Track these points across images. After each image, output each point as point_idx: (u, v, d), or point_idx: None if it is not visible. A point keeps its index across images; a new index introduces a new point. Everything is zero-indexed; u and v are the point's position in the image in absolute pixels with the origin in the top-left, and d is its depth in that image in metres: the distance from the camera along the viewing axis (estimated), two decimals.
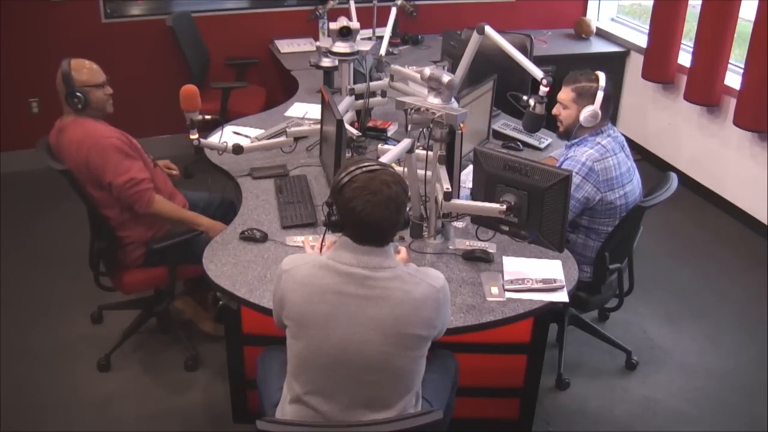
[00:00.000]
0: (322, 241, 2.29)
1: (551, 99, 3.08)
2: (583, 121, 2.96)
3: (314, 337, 1.95)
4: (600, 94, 2.93)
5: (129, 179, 2.92)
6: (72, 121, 3.00)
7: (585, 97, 2.96)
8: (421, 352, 2.01)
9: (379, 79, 3.65)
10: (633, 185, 3.00)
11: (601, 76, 2.96)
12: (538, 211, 2.37)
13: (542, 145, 3.54)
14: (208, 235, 2.95)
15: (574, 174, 2.73)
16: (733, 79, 4.50)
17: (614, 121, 3.10)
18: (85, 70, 3.00)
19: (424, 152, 2.59)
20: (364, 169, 1.93)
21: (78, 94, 2.95)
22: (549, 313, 2.54)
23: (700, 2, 4.55)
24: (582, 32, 5.56)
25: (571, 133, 3.03)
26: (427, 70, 2.59)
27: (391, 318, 1.92)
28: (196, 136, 3.00)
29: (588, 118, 2.95)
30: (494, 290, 2.47)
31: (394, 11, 4.22)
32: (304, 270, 1.98)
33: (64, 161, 2.97)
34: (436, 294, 1.97)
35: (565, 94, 3.01)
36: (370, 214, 1.89)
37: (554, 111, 3.09)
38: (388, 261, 1.97)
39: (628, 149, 3.06)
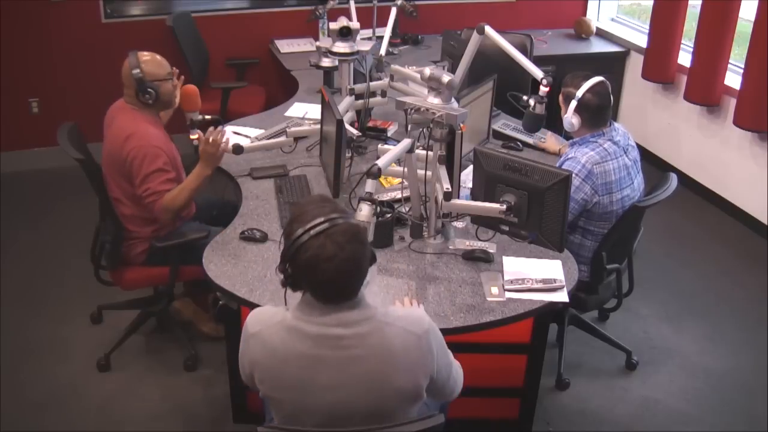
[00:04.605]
0: (285, 294, 1.97)
1: (551, 99, 3.09)
2: (564, 126, 2.98)
3: (297, 403, 1.85)
4: (573, 104, 2.92)
5: (148, 189, 2.91)
6: (131, 111, 3.00)
7: (567, 101, 2.98)
8: (416, 401, 1.88)
9: (379, 79, 3.64)
10: (633, 188, 2.99)
11: (584, 85, 2.91)
12: (538, 211, 2.37)
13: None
14: (210, 168, 2.95)
15: (573, 176, 2.73)
16: (733, 79, 4.50)
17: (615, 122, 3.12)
18: (152, 63, 2.97)
19: (424, 152, 2.59)
20: (312, 233, 1.73)
21: (150, 89, 2.94)
22: (549, 313, 2.54)
23: (700, 2, 4.55)
24: (582, 32, 5.56)
25: (568, 133, 3.05)
26: (427, 70, 2.59)
27: (375, 376, 1.80)
28: (197, 136, 3.00)
29: (566, 125, 2.97)
30: (494, 290, 2.47)
31: (394, 11, 4.22)
32: (273, 335, 1.82)
33: (106, 138, 3.00)
34: (417, 342, 1.82)
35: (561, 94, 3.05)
36: (330, 280, 1.74)
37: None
38: (362, 312, 1.82)
39: (635, 153, 3.05)
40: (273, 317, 1.86)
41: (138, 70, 2.91)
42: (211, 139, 2.91)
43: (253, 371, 1.87)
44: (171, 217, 2.98)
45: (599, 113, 2.95)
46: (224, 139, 2.98)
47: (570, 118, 2.94)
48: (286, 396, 1.85)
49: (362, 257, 1.79)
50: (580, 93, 2.91)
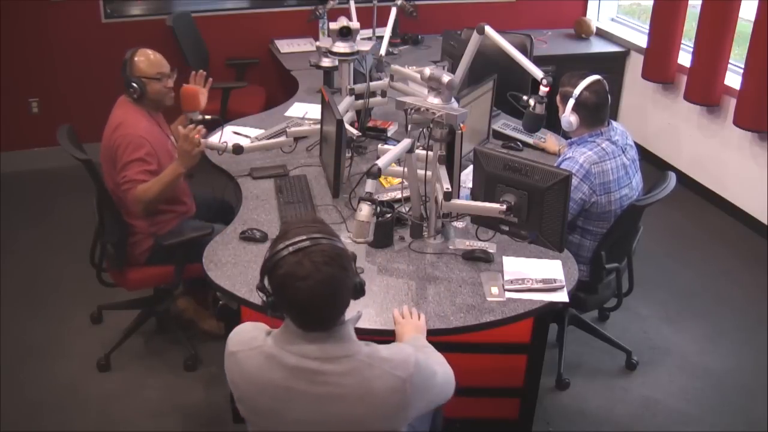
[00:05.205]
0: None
1: (551, 99, 3.09)
2: (562, 125, 2.97)
3: (271, 430, 1.81)
4: (571, 102, 2.93)
5: (125, 177, 2.92)
6: (127, 104, 3.03)
7: (564, 101, 2.97)
8: None
9: (379, 79, 3.64)
10: (631, 188, 2.99)
11: (582, 83, 2.92)
12: (538, 211, 2.37)
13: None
14: (185, 166, 2.92)
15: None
16: (733, 79, 4.50)
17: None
18: (145, 60, 2.99)
19: (424, 152, 2.59)
20: (291, 249, 1.67)
21: (134, 84, 2.95)
22: (549, 313, 2.54)
23: (700, 2, 4.55)
24: (582, 32, 5.56)
25: (567, 133, 3.05)
26: (427, 70, 2.59)
27: (350, 417, 1.73)
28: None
29: (564, 124, 2.97)
30: (494, 290, 2.47)
31: (394, 11, 4.22)
32: (251, 359, 1.76)
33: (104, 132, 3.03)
34: (401, 386, 1.72)
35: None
36: (305, 301, 1.67)
37: None
38: (343, 348, 1.73)
39: (633, 152, 3.05)
40: (253, 340, 1.79)
41: (128, 63, 2.95)
42: (188, 136, 2.88)
43: (233, 390, 1.83)
44: (141, 209, 2.96)
45: (597, 111, 2.95)
46: (202, 140, 2.94)
47: (568, 116, 2.94)
48: (261, 421, 1.82)
49: (340, 282, 1.69)
50: (577, 91, 2.91)
